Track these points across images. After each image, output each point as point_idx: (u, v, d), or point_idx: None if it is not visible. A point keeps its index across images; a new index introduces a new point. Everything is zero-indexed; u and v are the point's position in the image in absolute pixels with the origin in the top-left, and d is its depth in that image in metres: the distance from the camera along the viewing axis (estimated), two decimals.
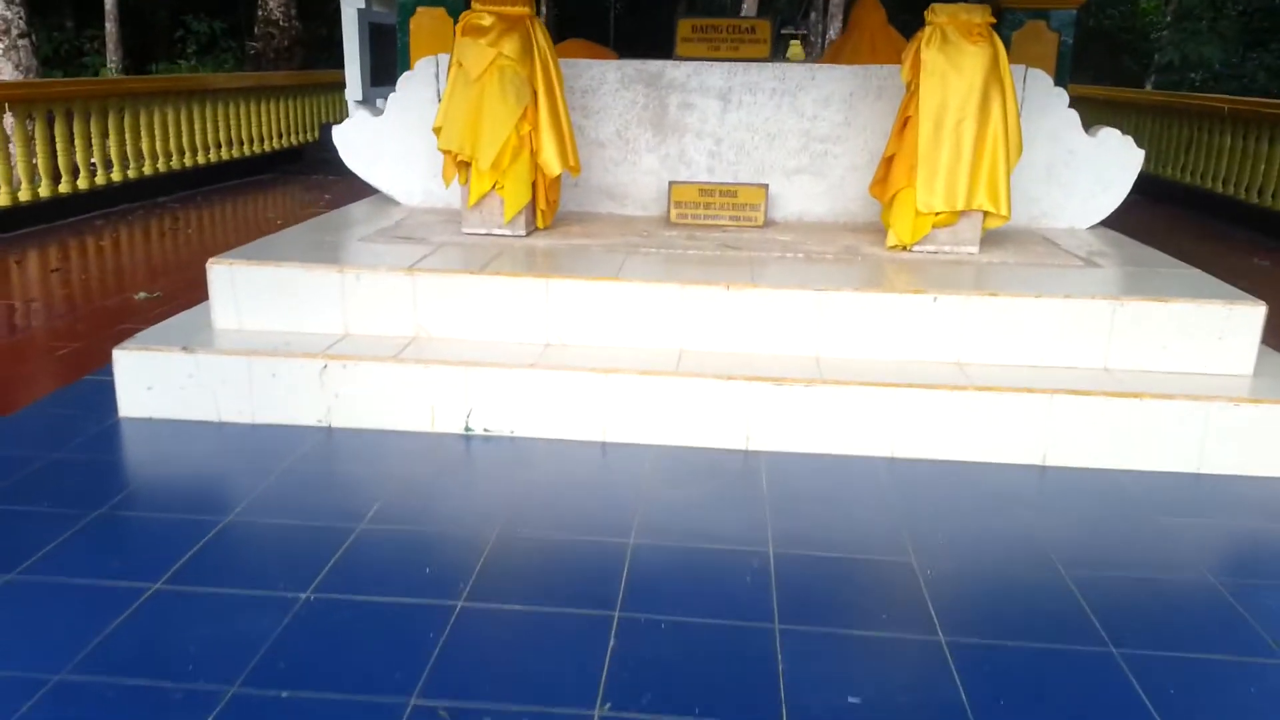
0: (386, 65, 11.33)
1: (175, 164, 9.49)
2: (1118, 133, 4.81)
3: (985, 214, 4.15)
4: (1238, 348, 3.51)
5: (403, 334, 3.77)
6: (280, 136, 11.65)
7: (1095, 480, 3.28)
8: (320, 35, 17.73)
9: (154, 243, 7.29)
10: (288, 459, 3.32)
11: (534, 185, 4.39)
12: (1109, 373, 3.54)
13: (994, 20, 4.11)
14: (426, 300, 3.74)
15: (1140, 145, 11.36)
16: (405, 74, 5.07)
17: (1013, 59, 8.25)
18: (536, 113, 4.26)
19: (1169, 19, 18.28)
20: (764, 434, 3.44)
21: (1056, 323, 3.56)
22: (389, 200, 5.20)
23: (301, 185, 10.48)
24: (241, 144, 10.80)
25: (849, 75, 4.82)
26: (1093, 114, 11.94)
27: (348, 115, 12.08)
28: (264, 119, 11.25)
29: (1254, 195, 8.77)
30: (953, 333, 3.60)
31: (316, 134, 12.17)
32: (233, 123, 10.59)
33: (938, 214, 4.10)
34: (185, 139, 9.71)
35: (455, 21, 8.06)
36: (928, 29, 4.09)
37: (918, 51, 4.11)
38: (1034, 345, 3.58)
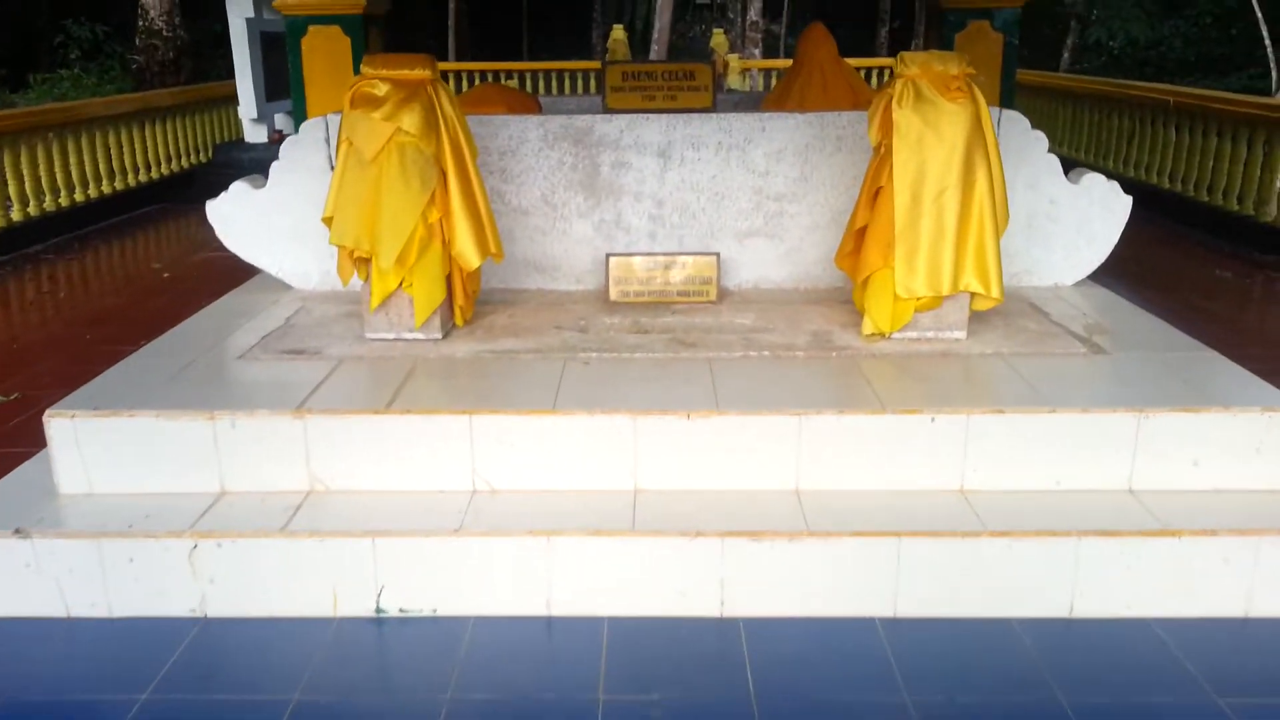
0: (284, 78, 10.42)
1: (49, 205, 8.51)
2: (1102, 178, 4.32)
3: (973, 294, 3.61)
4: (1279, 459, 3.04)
5: (295, 488, 3.09)
6: (169, 161, 10.66)
7: (1131, 634, 2.77)
8: (215, 33, 16.45)
9: (21, 314, 6.39)
10: (149, 681, 2.62)
11: (449, 278, 3.72)
12: (1134, 495, 3.04)
13: (972, 71, 3.56)
14: (322, 448, 3.07)
15: (1079, 134, 11.02)
16: (289, 139, 4.33)
17: None
18: (446, 196, 3.58)
19: None
20: (741, 597, 2.86)
21: (1072, 441, 3.04)
22: (280, 283, 4.47)
23: (195, 218, 9.53)
24: (125, 174, 9.81)
25: (803, 125, 4.24)
26: (1026, 101, 11.57)
27: (242, 135, 11.17)
28: (149, 144, 10.26)
29: (1203, 193, 8.45)
30: (954, 457, 3.06)
31: (209, 154, 11.20)
32: (113, 151, 9.59)
33: (920, 299, 3.55)
34: (60, 176, 8.72)
35: (352, 41, 7.32)
36: (898, 84, 3.52)
37: (887, 110, 3.54)
38: (1048, 467, 3.07)
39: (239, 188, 4.34)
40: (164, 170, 10.53)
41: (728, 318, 4.00)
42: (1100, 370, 3.40)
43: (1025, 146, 4.26)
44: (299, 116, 8.49)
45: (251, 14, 10.64)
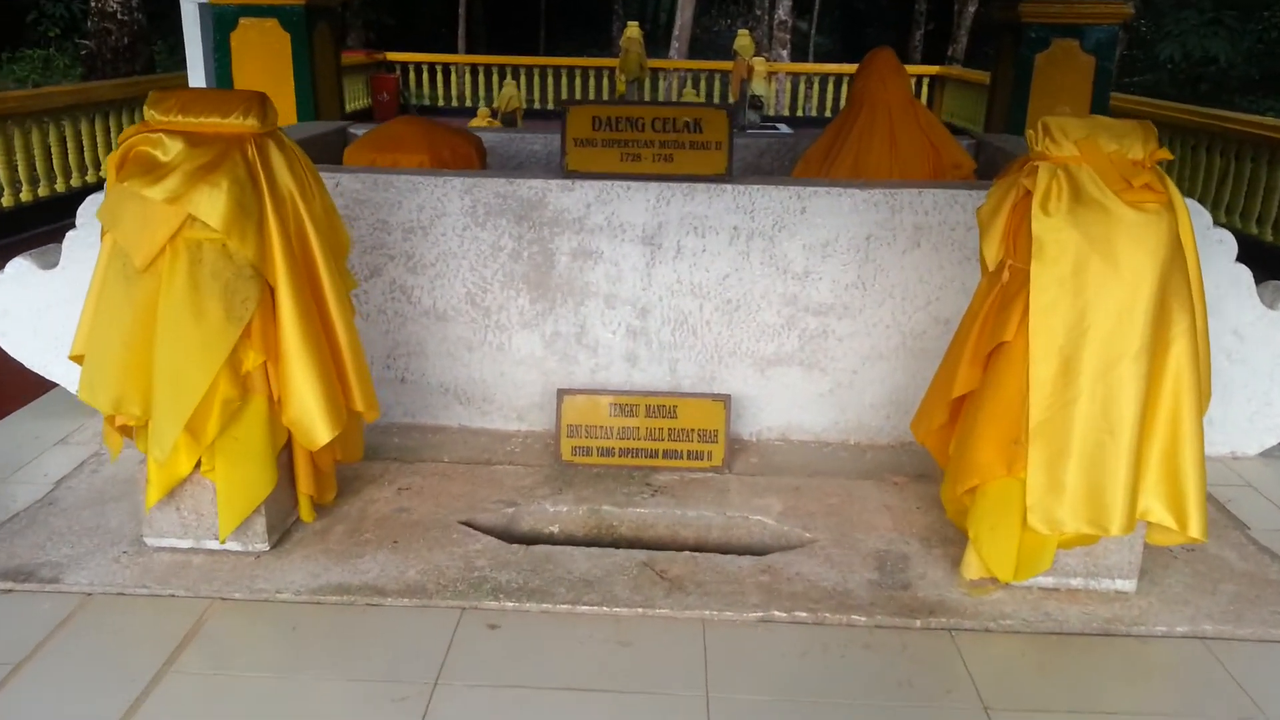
0: None
1: None
2: None
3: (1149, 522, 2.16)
4: None
5: None
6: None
7: None
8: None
9: None
10: None
11: (288, 451, 2.30)
12: None
13: (1166, 154, 2.10)
14: None
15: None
16: (89, 200, 2.91)
17: (1037, 88, 6.35)
18: (275, 329, 2.16)
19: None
20: None
21: None
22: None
23: None
24: (54, 178, 8.39)
25: (864, 204, 2.79)
26: None
27: None
28: (85, 142, 8.84)
29: None
30: None
31: None
32: (38, 152, 8.17)
33: (1066, 534, 2.11)
34: None
35: (293, 38, 5.89)
36: (1041, 173, 2.07)
37: (1021, 213, 2.10)
38: None
39: (19, 268, 2.93)
40: (104, 173, 9.13)
41: (739, 509, 2.56)
42: None
43: (1203, 252, 2.79)
44: None
45: None
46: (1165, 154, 2.10)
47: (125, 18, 10.82)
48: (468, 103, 15.31)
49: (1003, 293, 2.16)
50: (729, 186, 2.81)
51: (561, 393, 2.81)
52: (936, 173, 3.22)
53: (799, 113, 15.18)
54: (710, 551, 2.50)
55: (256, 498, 2.20)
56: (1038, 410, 2.06)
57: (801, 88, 15.45)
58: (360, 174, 2.82)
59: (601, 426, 2.79)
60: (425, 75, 15.72)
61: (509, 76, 14.76)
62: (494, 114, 11.68)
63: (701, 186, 2.81)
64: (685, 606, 2.12)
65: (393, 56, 15.81)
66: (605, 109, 2.80)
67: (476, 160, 3.29)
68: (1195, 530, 2.08)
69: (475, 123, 10.41)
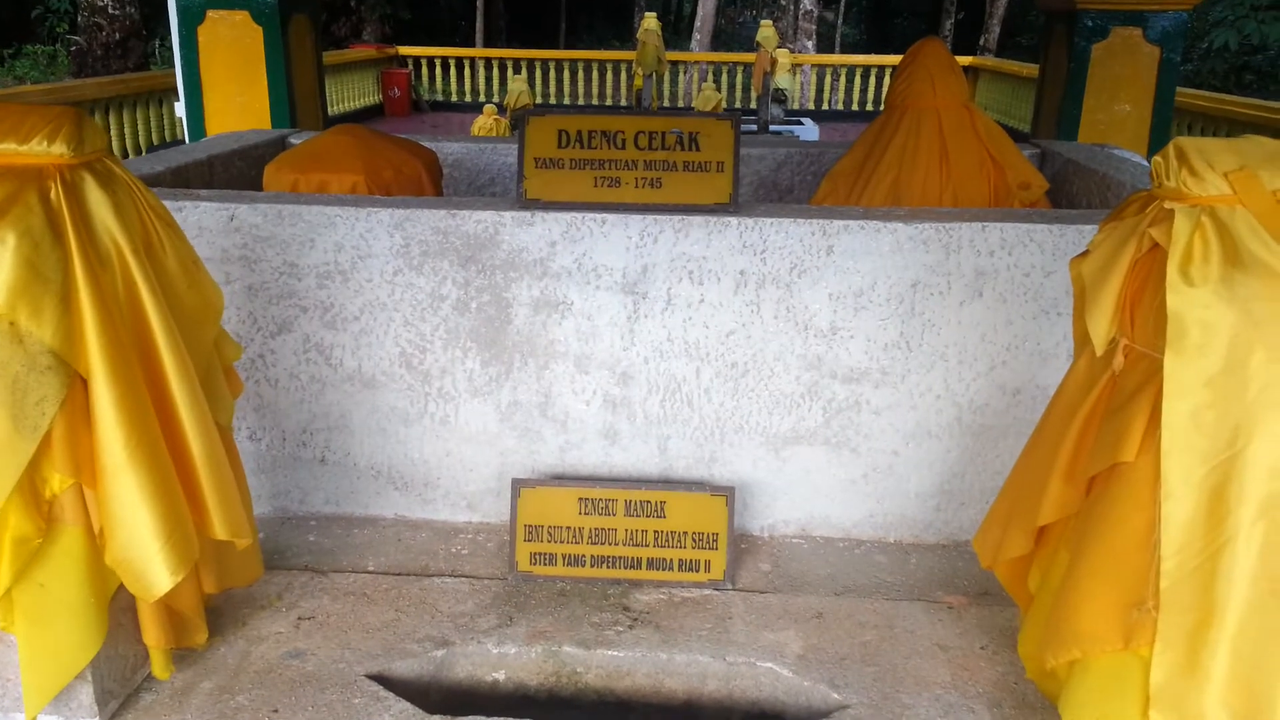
0: None
1: None
2: None
3: None
4: None
5: None
6: None
7: None
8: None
9: None
10: None
11: (121, 597, 1.71)
12: None
13: None
14: None
15: None
16: None
17: (1094, 83, 5.69)
18: (90, 437, 1.56)
19: None
20: None
21: None
22: None
23: None
24: None
25: (907, 241, 2.15)
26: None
27: (183, 135, 9.26)
28: None
29: None
30: None
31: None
32: None
33: None
34: None
35: (266, 33, 5.32)
36: (1179, 220, 1.43)
37: (1149, 275, 1.46)
38: None
39: None
40: None
41: (745, 648, 1.93)
42: None
43: None
44: (195, 130, 6.55)
45: None
46: None
47: (117, 12, 10.33)
48: (481, 97, 14.75)
49: (1116, 387, 1.52)
50: (734, 219, 2.18)
51: (518, 484, 2.20)
52: (999, 196, 2.57)
53: (824, 106, 14.48)
54: (705, 710, 1.90)
55: (75, 662, 1.61)
56: (1173, 563, 1.42)
57: (828, 80, 14.73)
58: (261, 204, 2.22)
59: (569, 528, 2.18)
60: (438, 70, 15.15)
61: (522, 71, 14.13)
62: (501, 111, 11.09)
63: (699, 220, 2.18)
64: None
65: (404, 50, 15.25)
66: (574, 120, 2.17)
67: (426, 181, 2.67)
68: None
69: (481, 120, 9.82)
